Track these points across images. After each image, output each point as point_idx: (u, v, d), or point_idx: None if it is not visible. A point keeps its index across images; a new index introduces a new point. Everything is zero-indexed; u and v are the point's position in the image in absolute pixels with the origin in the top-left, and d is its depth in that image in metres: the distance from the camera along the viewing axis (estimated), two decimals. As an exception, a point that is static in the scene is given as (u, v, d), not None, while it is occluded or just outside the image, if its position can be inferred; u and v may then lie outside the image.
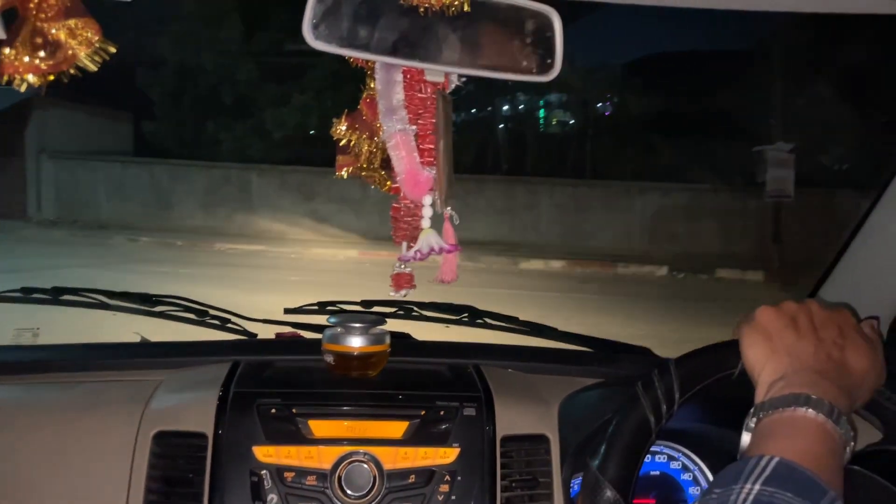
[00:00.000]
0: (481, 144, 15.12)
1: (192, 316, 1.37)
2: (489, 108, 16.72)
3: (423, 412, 1.09)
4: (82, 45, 0.82)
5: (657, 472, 1.16)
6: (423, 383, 1.17)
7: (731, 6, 1.01)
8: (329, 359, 1.15)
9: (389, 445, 1.06)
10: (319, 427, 1.07)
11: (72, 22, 0.82)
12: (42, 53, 0.81)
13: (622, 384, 1.10)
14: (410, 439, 1.07)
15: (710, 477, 1.14)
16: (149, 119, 15.36)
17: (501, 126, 17.04)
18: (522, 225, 12.83)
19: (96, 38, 0.83)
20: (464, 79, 1.02)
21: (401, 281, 1.06)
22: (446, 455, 1.07)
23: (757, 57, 12.37)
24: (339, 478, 1.04)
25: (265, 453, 1.04)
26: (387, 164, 1.03)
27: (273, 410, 1.08)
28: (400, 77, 1.00)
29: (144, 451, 1.05)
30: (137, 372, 1.23)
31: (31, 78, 0.82)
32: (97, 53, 0.83)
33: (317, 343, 1.18)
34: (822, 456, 0.66)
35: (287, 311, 1.45)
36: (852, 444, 0.70)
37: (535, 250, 11.55)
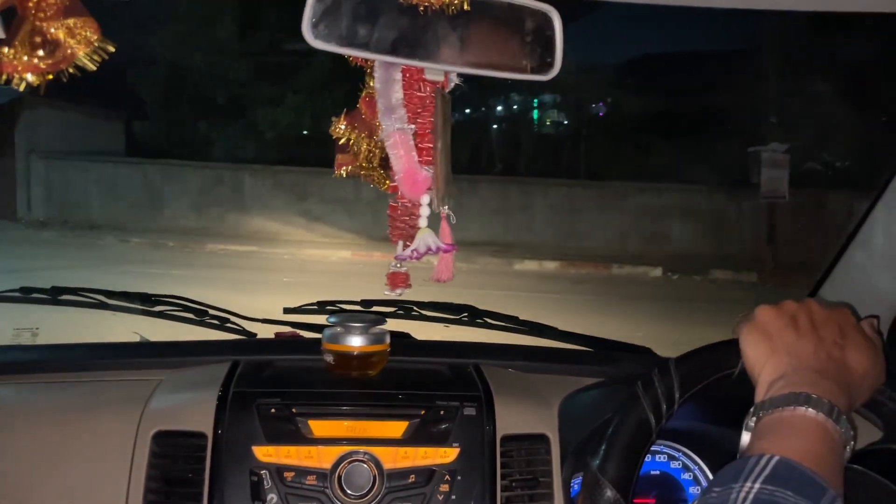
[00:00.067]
0: (475, 145, 15.14)
1: (191, 316, 1.37)
2: (483, 109, 16.74)
3: (423, 412, 1.09)
4: (81, 44, 0.82)
5: (657, 472, 1.16)
6: (423, 383, 1.17)
7: (732, 5, 1.01)
8: (329, 358, 1.14)
9: (389, 445, 1.06)
10: (319, 427, 1.07)
11: (71, 21, 0.82)
12: (41, 52, 0.81)
13: (622, 383, 1.10)
14: (410, 439, 1.07)
15: (711, 476, 1.14)
16: (141, 119, 15.32)
17: (495, 126, 17.06)
18: (516, 225, 12.84)
19: (95, 37, 0.83)
20: (462, 78, 1.02)
21: (396, 280, 1.06)
22: (446, 455, 1.07)
23: (751, 58, 12.42)
24: (339, 477, 1.04)
25: (265, 453, 1.04)
26: (385, 162, 1.03)
27: (273, 410, 1.07)
28: (399, 76, 1.00)
29: (144, 450, 1.05)
30: (137, 372, 1.22)
31: (29, 77, 0.81)
32: (96, 52, 0.83)
33: (316, 343, 1.18)
34: (823, 455, 0.66)
35: (286, 310, 1.44)
36: (852, 443, 0.70)
37: (530, 251, 11.56)
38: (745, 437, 0.72)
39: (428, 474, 1.05)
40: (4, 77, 0.80)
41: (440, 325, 1.46)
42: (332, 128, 1.04)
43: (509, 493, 1.07)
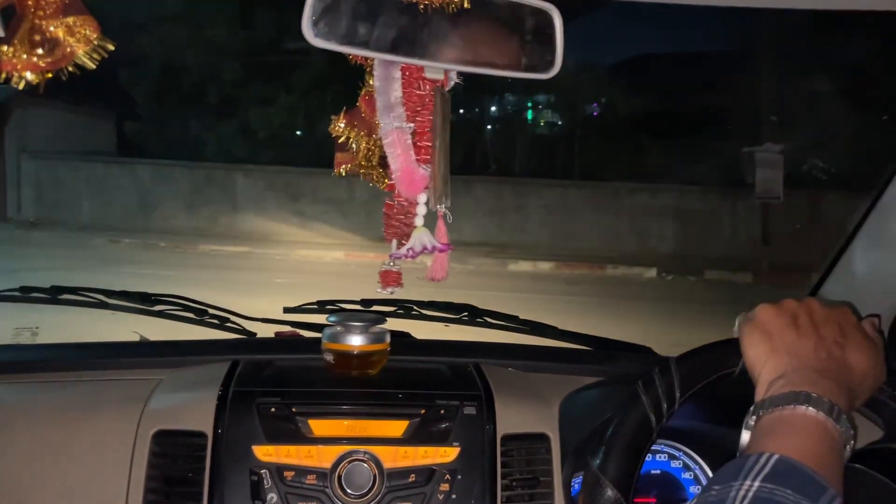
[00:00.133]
0: (469, 145, 15.12)
1: (191, 315, 1.36)
2: (477, 109, 16.73)
3: (423, 411, 1.09)
4: (80, 42, 0.82)
5: (658, 471, 1.16)
6: (424, 382, 1.17)
7: (731, 3, 1.01)
8: (329, 358, 1.14)
9: (389, 444, 1.06)
10: (319, 426, 1.07)
11: (70, 19, 0.82)
12: (40, 51, 0.81)
13: (623, 383, 1.10)
14: (410, 438, 1.07)
15: (711, 476, 1.14)
16: (132, 118, 15.23)
17: (489, 126, 17.04)
18: (511, 226, 12.82)
19: (95, 35, 0.83)
20: (462, 76, 1.02)
21: (388, 279, 1.06)
22: (446, 454, 1.07)
23: (745, 58, 12.45)
24: (339, 477, 1.04)
25: (265, 452, 1.04)
26: (385, 161, 1.03)
27: (273, 409, 1.07)
28: (398, 74, 1.00)
29: (144, 450, 1.05)
30: (136, 371, 1.22)
31: (29, 75, 0.81)
32: (95, 51, 0.83)
33: (316, 342, 1.18)
34: (823, 454, 0.67)
35: (286, 310, 1.44)
36: (852, 442, 0.70)
37: (524, 251, 11.56)
38: (745, 436, 0.72)
39: (428, 474, 1.06)
40: (4, 75, 0.80)
41: (440, 325, 1.46)
42: (332, 126, 1.04)
43: (509, 492, 1.07)
